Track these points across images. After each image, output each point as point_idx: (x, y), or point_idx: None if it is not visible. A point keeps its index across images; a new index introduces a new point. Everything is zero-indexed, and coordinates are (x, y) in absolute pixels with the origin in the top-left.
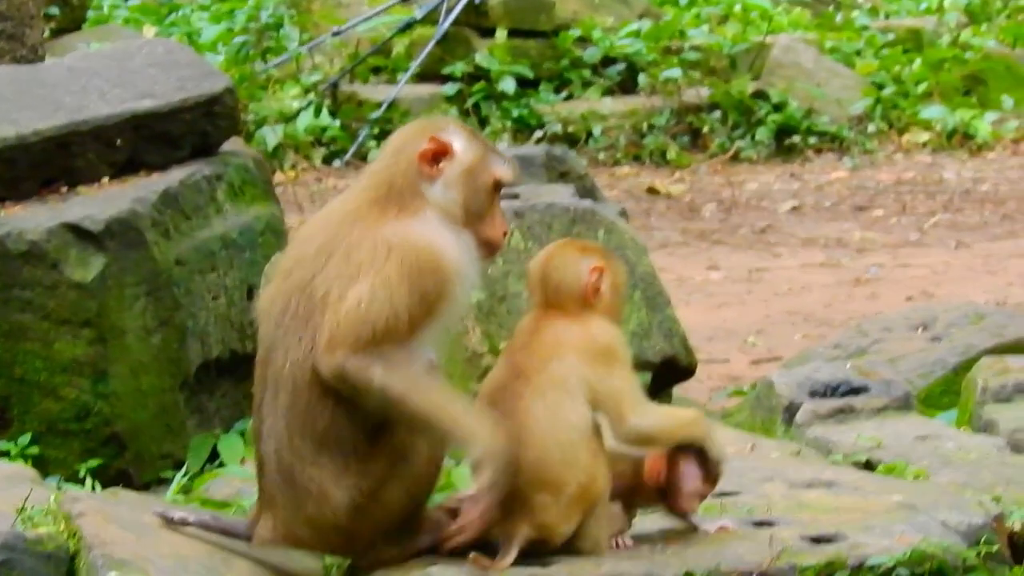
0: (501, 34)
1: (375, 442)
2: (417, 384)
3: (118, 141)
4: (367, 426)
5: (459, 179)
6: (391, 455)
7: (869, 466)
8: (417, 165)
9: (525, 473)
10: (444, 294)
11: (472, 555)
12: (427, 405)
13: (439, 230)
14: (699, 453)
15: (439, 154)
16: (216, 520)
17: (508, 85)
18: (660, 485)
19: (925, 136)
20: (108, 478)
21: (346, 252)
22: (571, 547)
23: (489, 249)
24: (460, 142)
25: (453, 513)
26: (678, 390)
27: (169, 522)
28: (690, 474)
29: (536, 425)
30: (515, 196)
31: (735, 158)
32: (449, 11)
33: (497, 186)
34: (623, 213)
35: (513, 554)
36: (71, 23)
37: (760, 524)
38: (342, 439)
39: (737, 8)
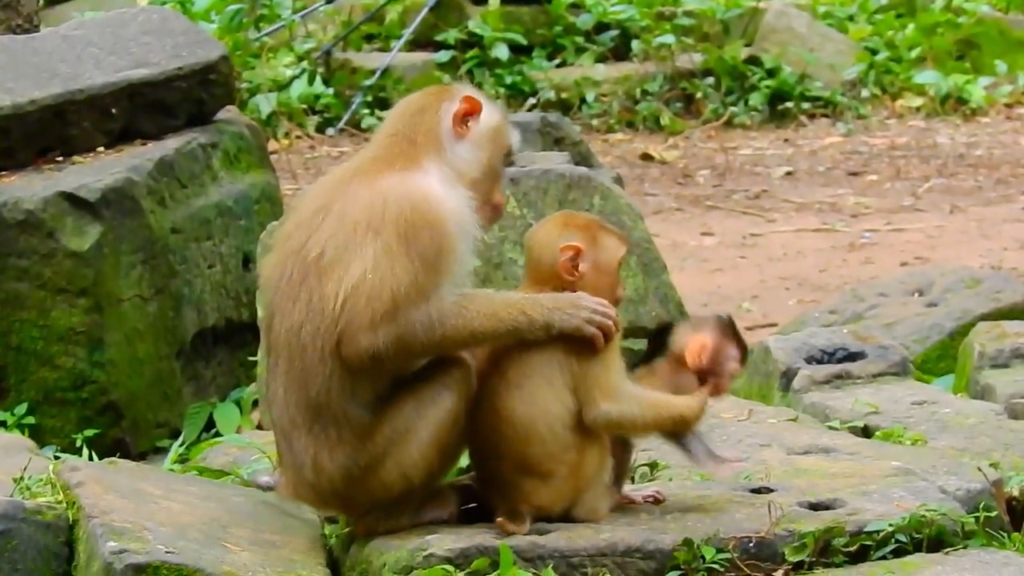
0: (494, 1)
1: (377, 419)
2: (452, 318)
3: (113, 110)
4: (363, 399)
5: (486, 139)
6: (390, 435)
7: (866, 432)
8: (445, 123)
9: (509, 463)
10: (445, 248)
11: (499, 520)
12: (472, 325)
13: (438, 183)
14: (736, 335)
15: (469, 113)
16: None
17: (501, 52)
18: (702, 368)
19: (919, 101)
20: (104, 447)
21: (341, 209)
22: (569, 516)
23: (493, 214)
24: (485, 102)
25: (462, 490)
26: None
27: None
28: (731, 355)
29: (514, 418)
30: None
31: (729, 124)
32: None
33: (509, 152)
34: (618, 179)
35: (527, 523)
36: None
37: (758, 491)
38: (335, 409)
39: None
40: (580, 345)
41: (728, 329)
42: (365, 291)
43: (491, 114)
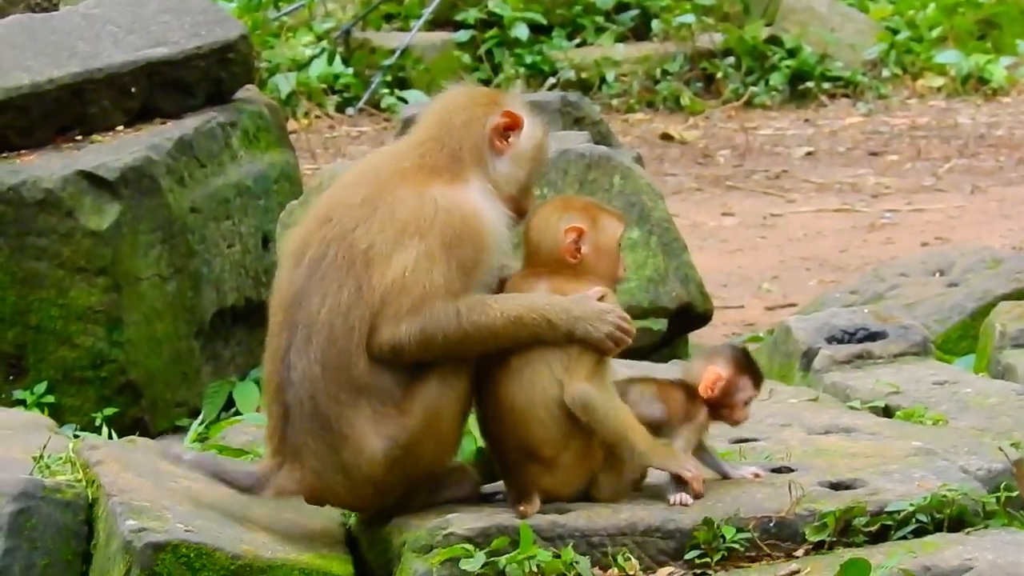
0: None
1: (409, 396)
2: (475, 317)
3: (132, 88)
4: (403, 378)
5: (528, 155)
6: (426, 410)
7: (887, 412)
8: (488, 137)
9: (513, 448)
10: (483, 261)
11: (521, 507)
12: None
13: (485, 200)
14: (751, 366)
15: (510, 128)
16: (219, 467)
17: (521, 31)
18: (715, 399)
19: (939, 81)
20: (124, 426)
21: (391, 207)
22: (589, 496)
23: (519, 218)
24: (527, 116)
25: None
26: (693, 337)
27: (177, 461)
28: (744, 385)
29: (515, 404)
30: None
31: (749, 104)
32: None
33: (546, 165)
34: (638, 159)
35: (537, 502)
36: None
37: (778, 470)
38: (380, 388)
39: None
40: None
41: (743, 360)
42: (399, 286)
43: (533, 129)
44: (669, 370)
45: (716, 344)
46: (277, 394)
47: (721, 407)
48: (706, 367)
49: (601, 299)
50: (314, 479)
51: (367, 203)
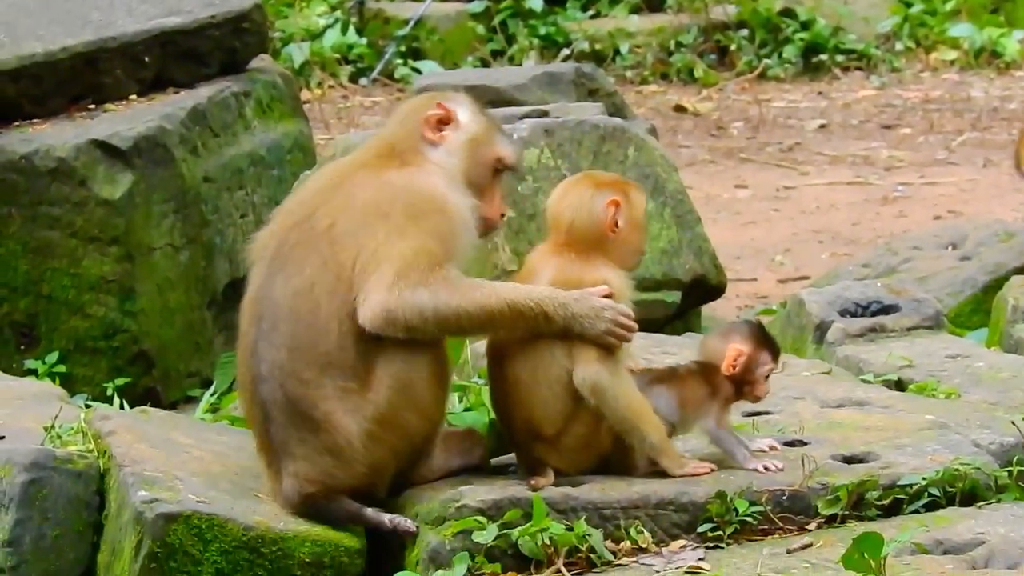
0: None
1: (373, 371)
2: (466, 291)
3: (146, 58)
4: (367, 353)
5: (461, 147)
6: (393, 383)
7: (900, 385)
8: (421, 128)
9: (519, 426)
10: (452, 230)
11: (532, 480)
12: (489, 302)
13: (443, 180)
14: (768, 340)
15: (443, 121)
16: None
17: (535, 2)
18: (737, 375)
19: (953, 54)
20: (135, 396)
21: (349, 190)
22: (603, 470)
23: (485, 225)
24: (465, 113)
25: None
26: (706, 309)
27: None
28: (764, 359)
29: (519, 382)
30: (545, 114)
31: (762, 76)
32: None
33: (498, 164)
34: (652, 131)
35: (551, 475)
36: None
37: (792, 443)
38: (345, 364)
39: None
40: None
41: (760, 334)
42: (380, 258)
43: (472, 124)
44: (684, 343)
45: (728, 318)
46: (252, 394)
47: (743, 383)
48: (725, 344)
49: (608, 296)
50: (309, 469)
51: (326, 189)
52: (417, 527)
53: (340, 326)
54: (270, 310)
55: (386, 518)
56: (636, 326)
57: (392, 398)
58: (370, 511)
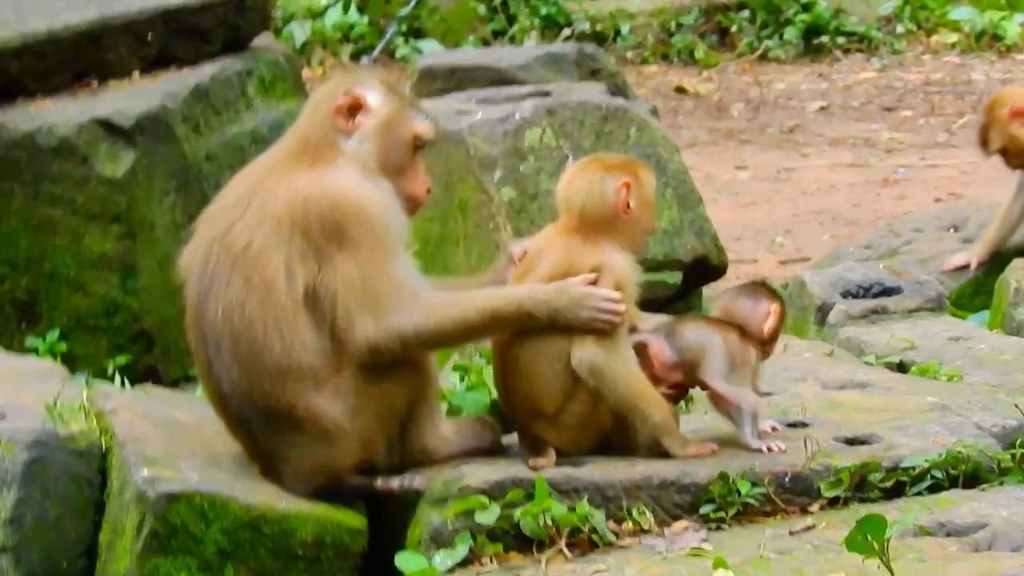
0: None
1: (334, 357)
2: (442, 309)
3: (149, 35)
4: (322, 349)
5: (374, 132)
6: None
7: (902, 367)
8: (332, 118)
9: (519, 405)
10: (376, 232)
11: (531, 461)
12: (468, 316)
13: (354, 177)
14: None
15: (354, 108)
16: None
17: None
18: (769, 336)
19: (954, 37)
20: (136, 374)
21: (261, 201)
22: (605, 450)
23: (411, 204)
24: (376, 96)
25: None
26: (707, 290)
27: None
28: (784, 315)
29: (520, 359)
30: (547, 93)
31: (763, 57)
32: None
33: (417, 141)
34: (654, 111)
35: (552, 455)
36: None
37: (794, 425)
38: (300, 367)
39: None
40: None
41: (774, 291)
42: (335, 289)
43: (381, 105)
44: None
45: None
46: (225, 411)
47: (768, 343)
48: (759, 306)
49: (594, 282)
50: (307, 465)
51: (241, 201)
52: (426, 482)
53: (283, 339)
54: (210, 331)
55: (395, 483)
56: (622, 307)
57: (371, 374)
58: (379, 481)
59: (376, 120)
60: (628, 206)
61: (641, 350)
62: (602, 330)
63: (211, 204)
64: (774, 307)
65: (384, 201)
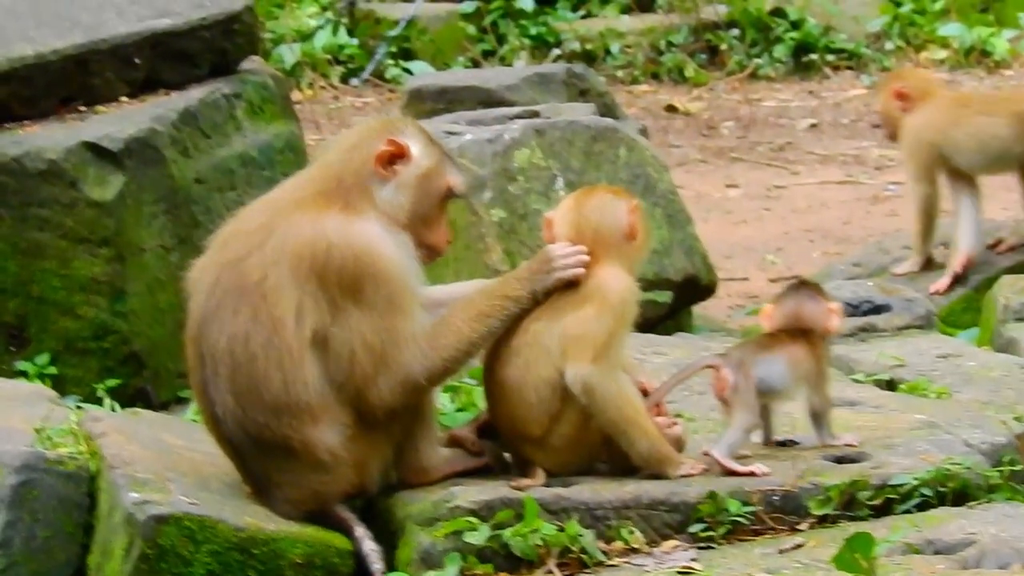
0: None
1: (330, 392)
2: (442, 339)
3: (136, 59)
4: (317, 386)
5: (412, 184)
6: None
7: (891, 385)
8: (371, 165)
9: (505, 426)
10: (393, 292)
11: (514, 482)
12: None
13: (380, 232)
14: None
15: (396, 156)
16: None
17: (526, 2)
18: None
19: (943, 54)
20: (126, 397)
21: (284, 235)
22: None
23: (430, 254)
24: (418, 146)
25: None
26: (697, 309)
27: None
28: None
29: (507, 382)
30: (535, 114)
31: (753, 76)
32: None
33: (449, 194)
34: (643, 131)
35: (541, 476)
36: None
37: (783, 443)
38: (297, 403)
39: None
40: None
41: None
42: (346, 353)
43: (422, 156)
44: (675, 343)
45: (719, 318)
46: (217, 432)
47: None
48: (821, 304)
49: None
50: (298, 492)
51: (262, 230)
52: (382, 569)
53: (284, 376)
54: (209, 354)
55: (367, 547)
56: (575, 247)
57: (366, 404)
58: (359, 531)
59: (415, 172)
60: (637, 230)
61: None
62: (577, 276)
63: (226, 225)
64: (838, 306)
65: (404, 259)
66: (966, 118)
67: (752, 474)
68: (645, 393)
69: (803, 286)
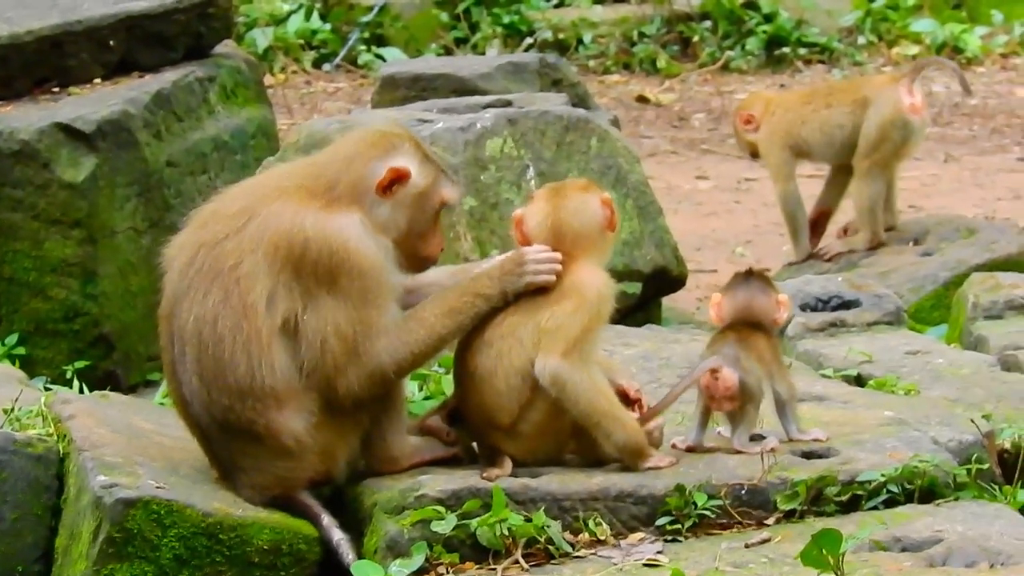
0: None
1: (297, 379)
2: (411, 332)
3: (111, 42)
4: (284, 372)
5: (408, 202)
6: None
7: (860, 381)
8: (368, 182)
9: (475, 416)
10: (367, 287)
11: (485, 472)
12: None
13: (359, 231)
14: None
15: (396, 181)
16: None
17: None
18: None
19: (915, 49)
20: (95, 379)
21: (263, 222)
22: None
23: (424, 263)
24: (415, 166)
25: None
26: (667, 301)
27: None
28: None
29: (477, 372)
30: (508, 104)
31: (725, 68)
32: None
33: (443, 206)
34: (615, 122)
35: (508, 465)
36: None
37: (751, 438)
38: (261, 389)
39: None
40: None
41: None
42: (317, 341)
43: (420, 176)
44: (645, 335)
45: (688, 310)
46: (185, 413)
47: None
48: (771, 296)
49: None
50: (263, 478)
51: (242, 214)
52: (354, 559)
53: (250, 360)
54: (178, 334)
55: (335, 536)
56: (550, 253)
57: (334, 389)
58: (326, 520)
59: (412, 191)
60: (614, 220)
61: (712, 372)
62: (549, 283)
63: (206, 204)
64: (782, 297)
65: (381, 259)
66: (811, 114)
67: (773, 450)
68: (625, 396)
69: (752, 277)
